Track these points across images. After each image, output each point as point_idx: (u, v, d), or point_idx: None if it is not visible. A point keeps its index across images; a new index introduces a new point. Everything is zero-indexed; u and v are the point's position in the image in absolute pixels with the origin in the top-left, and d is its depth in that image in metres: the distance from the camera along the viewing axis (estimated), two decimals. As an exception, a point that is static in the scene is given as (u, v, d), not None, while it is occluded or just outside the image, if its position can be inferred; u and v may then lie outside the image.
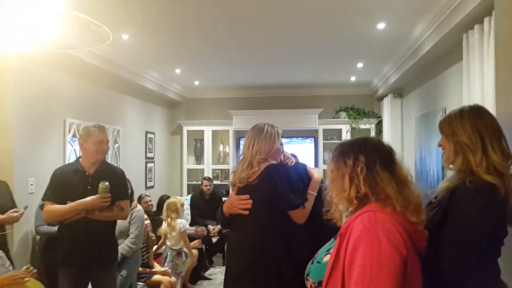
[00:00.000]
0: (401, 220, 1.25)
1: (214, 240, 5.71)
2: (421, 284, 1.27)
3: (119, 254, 3.32)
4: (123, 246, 3.45)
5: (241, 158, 2.31)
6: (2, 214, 2.81)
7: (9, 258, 2.75)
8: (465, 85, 2.88)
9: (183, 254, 4.22)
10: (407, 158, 5.29)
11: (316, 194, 2.28)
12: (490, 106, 2.32)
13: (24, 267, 2.35)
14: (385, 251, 1.16)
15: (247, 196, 2.18)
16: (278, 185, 2.14)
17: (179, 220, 4.23)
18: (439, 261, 1.45)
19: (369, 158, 1.32)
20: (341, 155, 1.37)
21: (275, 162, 2.26)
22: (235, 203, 2.20)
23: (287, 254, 2.14)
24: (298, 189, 2.21)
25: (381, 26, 3.70)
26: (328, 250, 1.36)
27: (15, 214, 2.83)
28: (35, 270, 2.46)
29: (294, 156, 2.55)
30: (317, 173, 2.38)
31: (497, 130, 1.59)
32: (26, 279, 2.17)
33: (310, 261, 1.42)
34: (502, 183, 1.49)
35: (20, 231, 3.32)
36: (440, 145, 1.73)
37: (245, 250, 2.16)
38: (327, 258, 1.33)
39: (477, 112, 1.61)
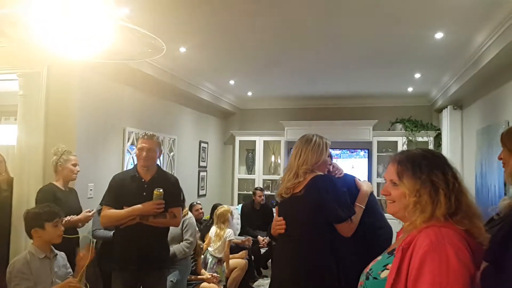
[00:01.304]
0: (465, 236, 1.21)
1: (263, 251, 5.72)
2: None
3: (173, 254, 3.44)
4: (178, 247, 3.55)
5: (287, 168, 2.31)
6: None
7: (73, 261, 2.93)
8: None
9: (223, 263, 4.29)
10: (467, 173, 5.00)
11: (364, 207, 2.24)
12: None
13: (78, 277, 2.48)
14: (454, 268, 1.13)
15: (281, 218, 2.21)
16: (324, 197, 2.11)
17: (227, 230, 4.32)
18: (504, 280, 1.36)
19: (455, 172, 1.30)
20: (425, 169, 1.30)
21: (321, 173, 2.23)
22: (273, 225, 2.26)
23: (334, 265, 2.10)
24: (345, 201, 2.16)
25: (439, 35, 3.56)
26: (385, 265, 1.32)
27: (89, 213, 3.12)
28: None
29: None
30: (366, 186, 2.34)
31: None
32: None
33: (363, 276, 1.39)
34: None
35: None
36: (500, 159, 1.65)
37: (291, 261, 2.15)
38: (384, 274, 1.29)
39: None
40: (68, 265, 2.49)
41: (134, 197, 2.73)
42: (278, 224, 2.21)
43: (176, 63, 4.63)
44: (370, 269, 1.38)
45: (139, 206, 2.69)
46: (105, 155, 4.04)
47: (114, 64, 3.83)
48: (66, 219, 2.79)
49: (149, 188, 2.75)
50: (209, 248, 4.26)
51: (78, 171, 3.27)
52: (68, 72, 3.56)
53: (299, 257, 2.13)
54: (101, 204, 2.87)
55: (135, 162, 2.98)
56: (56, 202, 2.83)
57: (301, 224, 2.17)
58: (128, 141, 4.36)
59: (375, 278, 1.34)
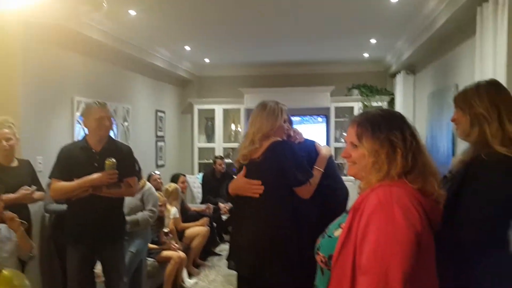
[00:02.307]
0: (417, 194, 1.23)
1: (224, 217, 5.78)
2: (434, 260, 1.26)
3: (136, 221, 3.41)
4: (142, 215, 3.51)
5: (245, 136, 2.31)
6: None
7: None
8: (477, 61, 2.79)
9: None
10: (419, 136, 5.21)
11: (322, 170, 2.29)
12: (503, 81, 2.24)
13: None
14: (399, 226, 1.14)
15: (259, 182, 2.15)
16: (283, 161, 2.14)
17: (173, 209, 4.37)
18: (455, 236, 1.44)
19: (413, 131, 1.31)
20: (384, 129, 1.30)
21: (279, 139, 2.24)
22: (245, 187, 2.19)
23: (295, 229, 2.15)
24: (303, 165, 2.21)
25: (393, -1, 3.58)
26: (340, 224, 1.35)
27: (27, 191, 2.86)
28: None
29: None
30: (324, 150, 2.40)
31: None
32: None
33: (321, 235, 1.41)
34: None
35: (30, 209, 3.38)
36: (453, 120, 1.72)
37: (252, 223, 2.17)
38: (338, 232, 1.31)
39: (494, 86, 1.63)
40: (14, 235, 2.39)
41: (85, 169, 2.63)
42: (255, 187, 2.16)
43: (127, 28, 4.40)
44: (328, 228, 1.41)
45: (90, 176, 2.60)
46: (54, 126, 3.84)
47: (59, 29, 3.59)
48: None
49: (100, 158, 2.65)
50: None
51: (6, 146, 2.92)
52: (8, 38, 3.30)
53: (261, 222, 2.15)
54: (50, 177, 2.76)
55: (87, 133, 2.85)
56: None
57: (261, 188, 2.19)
58: (77, 111, 4.16)
59: (329, 236, 1.37)
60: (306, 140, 2.47)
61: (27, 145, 3.41)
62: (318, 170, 2.28)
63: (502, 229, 1.56)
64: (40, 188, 3.07)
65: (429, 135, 4.73)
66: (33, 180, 3.07)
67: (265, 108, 2.25)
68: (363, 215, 1.21)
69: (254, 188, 2.16)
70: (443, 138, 4.16)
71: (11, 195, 2.77)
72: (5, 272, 2.12)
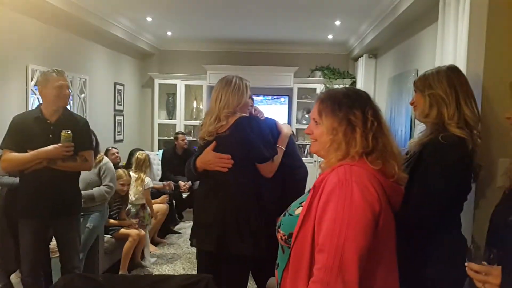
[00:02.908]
0: (377, 175, 1.24)
1: (184, 195, 5.73)
2: (394, 239, 1.28)
3: (92, 196, 3.31)
4: (98, 190, 3.40)
5: (208, 112, 2.26)
6: None
7: None
8: (438, 46, 2.86)
9: (147, 207, 4.25)
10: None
11: (284, 149, 2.30)
12: (463, 68, 2.32)
13: None
14: (357, 205, 1.16)
15: (229, 156, 2.12)
16: (250, 136, 2.13)
17: (147, 178, 4.26)
18: (410, 216, 1.48)
19: (376, 112, 1.31)
20: (344, 107, 1.29)
21: (244, 115, 2.22)
22: (214, 161, 2.14)
23: (257, 206, 2.16)
24: (269, 141, 2.21)
25: (360, -19, 3.60)
26: (301, 203, 1.35)
27: None
28: None
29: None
30: (286, 128, 2.39)
31: (471, 90, 1.66)
32: None
33: (282, 214, 1.42)
34: (471, 138, 1.54)
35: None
36: (412, 103, 1.76)
37: (216, 201, 2.16)
38: (299, 210, 1.32)
39: (453, 70, 1.68)
40: None
41: (39, 140, 2.51)
42: (225, 161, 2.12)
43: (85, -6, 4.16)
44: (290, 207, 1.41)
45: (45, 148, 2.48)
46: (6, 94, 3.61)
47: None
48: None
49: (55, 130, 2.54)
50: (131, 197, 4.14)
51: None
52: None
53: (227, 197, 2.14)
54: (0, 147, 2.59)
55: (41, 102, 2.70)
56: None
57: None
58: (32, 80, 3.92)
59: (290, 214, 1.37)
60: (267, 118, 2.46)
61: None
62: (280, 148, 2.28)
63: (455, 210, 1.64)
64: None
65: (388, 118, 4.87)
66: None
67: (230, 83, 2.21)
68: (323, 194, 1.22)
69: (224, 162, 2.12)
70: (401, 122, 4.30)
71: None
72: None
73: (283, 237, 1.36)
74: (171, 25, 5.81)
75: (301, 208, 1.32)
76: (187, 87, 6.98)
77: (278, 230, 1.39)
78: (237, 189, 2.15)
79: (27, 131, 2.54)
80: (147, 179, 4.31)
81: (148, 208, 4.30)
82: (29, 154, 2.48)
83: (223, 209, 2.12)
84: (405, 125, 4.14)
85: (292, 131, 2.51)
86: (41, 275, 2.73)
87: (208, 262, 2.25)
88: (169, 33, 6.31)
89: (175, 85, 6.91)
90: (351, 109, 1.29)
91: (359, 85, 6.27)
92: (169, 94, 7.06)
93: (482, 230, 1.56)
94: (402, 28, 4.43)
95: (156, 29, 6.07)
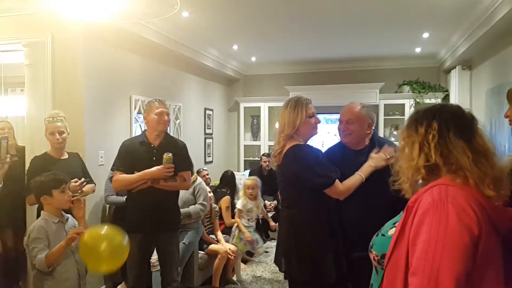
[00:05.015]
0: (477, 196, 1.16)
1: (270, 214, 5.80)
2: (500, 265, 1.18)
3: (188, 214, 3.54)
4: (194, 208, 3.63)
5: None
6: None
7: None
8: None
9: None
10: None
11: (364, 177, 2.20)
12: None
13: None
14: (453, 228, 1.10)
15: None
16: (296, 168, 2.15)
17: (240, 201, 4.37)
18: None
19: (443, 125, 1.23)
20: (414, 121, 1.29)
21: (298, 143, 2.20)
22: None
23: (324, 231, 2.20)
24: (321, 167, 2.16)
25: (449, -9, 3.46)
26: (394, 223, 1.33)
27: (75, 184, 2.83)
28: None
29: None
30: (372, 161, 2.24)
31: None
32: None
33: (375, 234, 1.40)
34: None
35: (91, 201, 3.58)
36: (507, 116, 1.64)
37: (285, 226, 2.29)
38: (392, 231, 1.30)
39: None
40: (77, 224, 2.56)
41: (144, 162, 2.77)
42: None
43: (179, 29, 4.56)
44: (383, 227, 1.40)
45: (150, 170, 2.73)
46: (113, 122, 4.06)
47: (118, 31, 3.79)
48: None
49: (158, 152, 2.78)
50: (244, 222, 4.25)
51: (59, 139, 3.00)
52: (72, 40, 3.53)
53: (291, 223, 2.24)
54: (112, 169, 2.92)
55: (143, 129, 2.99)
56: (45, 171, 2.65)
57: (286, 192, 2.29)
58: (135, 109, 4.36)
59: (383, 235, 1.35)
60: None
61: (90, 140, 3.63)
62: (359, 175, 2.20)
63: None
64: (90, 180, 3.14)
65: (488, 133, 4.51)
66: (83, 172, 3.15)
67: (287, 105, 2.24)
68: (417, 214, 1.18)
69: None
70: (504, 137, 3.96)
71: None
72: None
73: (376, 258, 1.34)
74: (255, 51, 6.07)
75: (394, 228, 1.30)
76: (270, 109, 7.16)
77: (371, 250, 1.37)
78: (297, 213, 2.24)
79: (134, 154, 2.82)
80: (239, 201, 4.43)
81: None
82: (136, 175, 2.75)
83: (288, 239, 2.26)
84: (509, 141, 3.81)
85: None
86: (144, 287, 2.97)
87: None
88: (253, 59, 6.58)
89: (259, 107, 7.14)
90: (415, 125, 1.28)
91: (453, 99, 5.91)
92: (253, 116, 7.30)
93: None
94: (499, 36, 4.14)
95: (242, 56, 6.39)
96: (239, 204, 4.31)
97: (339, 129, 2.38)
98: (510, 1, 3.25)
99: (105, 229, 2.36)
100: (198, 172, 4.84)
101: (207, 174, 5.03)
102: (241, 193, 4.31)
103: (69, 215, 2.56)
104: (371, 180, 2.19)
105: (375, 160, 2.23)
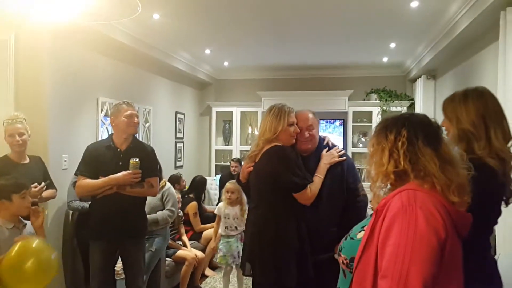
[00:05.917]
0: (443, 201, 1.20)
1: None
2: (461, 268, 1.23)
3: (156, 220, 3.48)
4: (162, 214, 3.57)
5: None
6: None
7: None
8: (500, 66, 2.76)
9: None
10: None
11: (322, 177, 2.26)
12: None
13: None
14: (422, 231, 1.13)
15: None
16: (276, 166, 2.18)
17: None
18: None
19: (411, 133, 1.27)
20: (384, 129, 1.32)
21: (278, 144, 2.24)
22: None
23: (294, 231, 2.21)
24: (297, 170, 2.20)
25: (414, 4, 3.58)
26: (363, 227, 1.35)
27: (35, 189, 2.75)
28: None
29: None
30: (326, 158, 2.34)
31: (500, 112, 1.59)
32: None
33: (344, 237, 1.43)
34: (502, 168, 1.51)
35: (53, 207, 3.46)
36: (443, 126, 1.70)
37: (256, 228, 2.29)
38: (361, 235, 1.32)
39: (480, 96, 1.60)
40: (34, 231, 2.47)
41: (109, 167, 2.70)
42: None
43: (150, 31, 4.50)
44: (351, 230, 1.42)
45: (115, 175, 2.67)
46: (79, 125, 3.94)
47: (86, 31, 3.69)
48: None
49: (124, 157, 2.73)
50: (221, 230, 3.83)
51: (19, 141, 2.86)
52: (37, 40, 3.42)
53: (261, 224, 2.25)
54: (76, 174, 2.84)
55: (110, 132, 2.93)
56: (5, 175, 2.54)
57: (258, 192, 2.29)
58: (102, 111, 4.26)
59: (352, 238, 1.38)
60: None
61: (54, 144, 3.52)
62: (318, 177, 2.25)
63: (485, 234, 1.58)
64: (51, 185, 3.02)
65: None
66: (45, 177, 3.03)
67: (270, 111, 2.30)
68: (386, 218, 1.21)
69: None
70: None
71: None
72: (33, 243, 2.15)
73: (345, 261, 1.36)
74: (228, 55, 6.07)
75: (363, 232, 1.32)
76: (242, 114, 7.18)
77: (340, 253, 1.39)
78: (270, 214, 2.24)
79: (99, 158, 2.75)
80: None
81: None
82: (101, 180, 2.68)
83: (261, 234, 2.25)
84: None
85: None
86: (108, 295, 2.89)
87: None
88: (225, 63, 6.58)
89: (231, 112, 7.14)
90: (384, 132, 1.33)
91: (418, 107, 6.10)
92: (225, 121, 7.29)
93: None
94: (461, 48, 4.31)
95: (214, 60, 6.37)
96: (216, 208, 4.01)
97: (297, 136, 2.36)
98: (471, 15, 3.39)
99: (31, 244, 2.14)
100: (178, 178, 4.73)
101: (184, 181, 4.95)
102: (222, 197, 4.10)
103: (27, 221, 2.47)
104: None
105: (328, 157, 2.32)
